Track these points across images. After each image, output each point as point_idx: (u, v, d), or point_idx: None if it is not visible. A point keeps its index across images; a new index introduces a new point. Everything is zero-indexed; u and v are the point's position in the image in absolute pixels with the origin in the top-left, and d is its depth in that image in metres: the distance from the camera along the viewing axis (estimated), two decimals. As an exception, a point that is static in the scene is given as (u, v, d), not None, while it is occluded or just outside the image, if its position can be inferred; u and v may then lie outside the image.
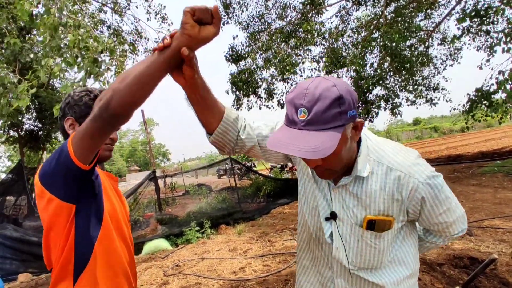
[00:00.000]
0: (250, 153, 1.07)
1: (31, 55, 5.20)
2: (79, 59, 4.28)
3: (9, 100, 4.28)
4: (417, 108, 14.00)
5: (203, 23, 0.71)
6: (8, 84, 4.29)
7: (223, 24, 11.37)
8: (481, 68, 9.73)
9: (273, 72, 11.50)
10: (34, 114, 9.78)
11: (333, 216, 0.96)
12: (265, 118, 1.13)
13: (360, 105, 13.05)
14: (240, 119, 1.02)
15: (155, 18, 10.71)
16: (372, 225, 0.91)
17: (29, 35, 6.71)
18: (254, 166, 18.64)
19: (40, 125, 10.73)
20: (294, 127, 0.80)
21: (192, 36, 0.70)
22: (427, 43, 12.18)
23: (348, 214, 0.94)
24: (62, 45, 4.05)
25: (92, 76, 4.03)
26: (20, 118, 8.28)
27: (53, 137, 11.80)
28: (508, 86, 7.70)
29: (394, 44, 8.34)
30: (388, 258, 0.97)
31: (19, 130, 9.83)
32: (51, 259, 0.92)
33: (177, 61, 0.74)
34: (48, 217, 0.89)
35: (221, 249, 4.91)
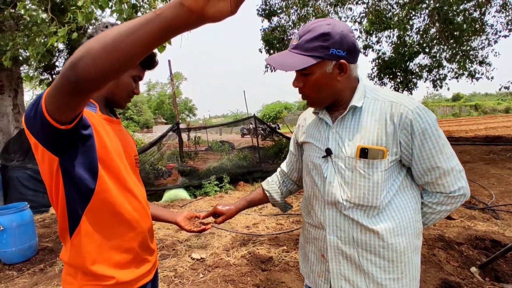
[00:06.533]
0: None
1: None
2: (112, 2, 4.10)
3: (43, 39, 4.25)
4: (458, 81, 12.89)
5: None
6: (41, 24, 4.26)
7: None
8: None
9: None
10: (67, 56, 9.93)
11: (328, 153, 1.01)
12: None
13: (399, 74, 12.19)
14: (275, 176, 1.45)
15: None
16: (365, 154, 0.94)
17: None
18: (279, 128, 18.49)
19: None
20: (289, 49, 0.96)
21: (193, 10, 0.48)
22: (484, 8, 10.83)
23: (343, 149, 0.99)
24: None
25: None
26: (53, 61, 8.41)
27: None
28: None
29: (446, 8, 7.44)
30: (385, 198, 0.95)
31: (52, 73, 10.08)
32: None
33: (176, 30, 0.52)
34: (38, 161, 0.83)
35: (237, 204, 5.02)
